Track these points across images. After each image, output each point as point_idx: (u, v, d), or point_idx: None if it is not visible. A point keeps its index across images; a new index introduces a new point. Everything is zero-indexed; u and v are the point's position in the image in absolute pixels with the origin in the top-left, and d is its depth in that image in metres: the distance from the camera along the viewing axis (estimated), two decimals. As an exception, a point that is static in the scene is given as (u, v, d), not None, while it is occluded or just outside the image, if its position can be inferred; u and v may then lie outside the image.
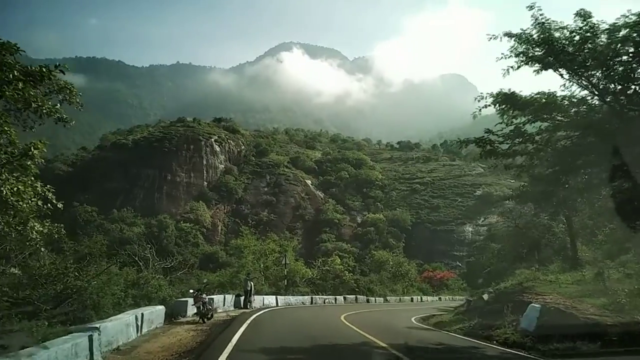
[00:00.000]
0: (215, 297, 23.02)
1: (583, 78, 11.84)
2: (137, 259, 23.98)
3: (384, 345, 11.12)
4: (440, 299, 49.79)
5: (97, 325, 9.34)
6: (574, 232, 22.74)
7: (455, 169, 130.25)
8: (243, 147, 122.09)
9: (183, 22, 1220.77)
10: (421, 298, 47.35)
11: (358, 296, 38.33)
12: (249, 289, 25.64)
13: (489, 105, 13.50)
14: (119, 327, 10.54)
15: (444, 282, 55.67)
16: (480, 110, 13.73)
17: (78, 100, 10.76)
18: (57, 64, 10.56)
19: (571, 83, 12.06)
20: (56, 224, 11.12)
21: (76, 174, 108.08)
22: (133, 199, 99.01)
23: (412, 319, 22.45)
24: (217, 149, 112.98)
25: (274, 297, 30.22)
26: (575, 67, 11.67)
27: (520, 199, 19.80)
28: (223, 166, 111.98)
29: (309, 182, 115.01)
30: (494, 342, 13.55)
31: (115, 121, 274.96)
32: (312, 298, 33.46)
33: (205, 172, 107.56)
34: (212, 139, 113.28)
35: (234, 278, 31.04)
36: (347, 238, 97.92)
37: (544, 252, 28.49)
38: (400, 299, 43.97)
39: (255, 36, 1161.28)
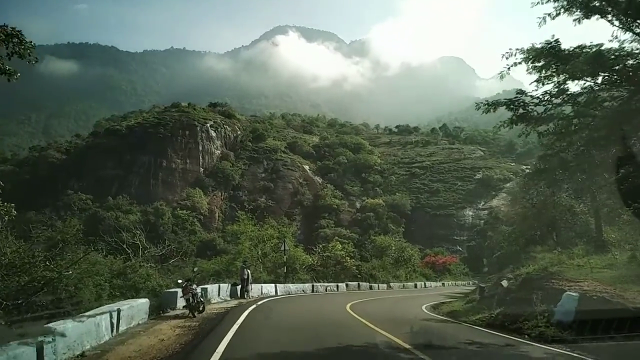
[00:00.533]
0: (209, 286, 21.48)
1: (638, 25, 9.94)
2: (125, 246, 22.17)
3: (406, 346, 9.33)
4: (443, 284, 48.53)
5: (54, 327, 7.53)
6: (599, 211, 20.93)
7: (455, 153, 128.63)
8: (239, 132, 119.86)
9: (176, 6, 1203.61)
10: (425, 284, 45.89)
11: (360, 283, 36.56)
12: (245, 277, 23.92)
13: (519, 63, 11.55)
14: (86, 327, 8.73)
15: (446, 267, 54.26)
16: (509, 68, 11.77)
17: (30, 52, 8.77)
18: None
19: (624, 32, 10.14)
20: (6, 203, 9.24)
21: (70, 161, 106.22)
22: (128, 186, 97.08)
23: (423, 308, 20.95)
24: (213, 134, 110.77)
25: (273, 285, 28.41)
26: (630, 12, 9.76)
27: (539, 176, 17.78)
28: (219, 152, 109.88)
29: (306, 167, 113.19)
30: (525, 336, 11.84)
31: (110, 108, 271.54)
32: (313, 286, 31.53)
33: (201, 158, 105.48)
34: (208, 124, 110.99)
35: (231, 266, 29.48)
36: (346, 224, 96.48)
37: (564, 234, 26.62)
38: (404, 285, 42.26)
39: (250, 20, 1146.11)
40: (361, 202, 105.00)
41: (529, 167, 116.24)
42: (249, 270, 24.57)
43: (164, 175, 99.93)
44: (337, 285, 33.66)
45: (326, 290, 32.53)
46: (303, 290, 30.46)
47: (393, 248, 46.48)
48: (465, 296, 24.86)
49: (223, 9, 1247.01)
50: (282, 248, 30.07)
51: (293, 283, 30.62)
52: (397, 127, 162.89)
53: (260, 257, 31.60)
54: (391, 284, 40.16)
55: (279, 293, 28.00)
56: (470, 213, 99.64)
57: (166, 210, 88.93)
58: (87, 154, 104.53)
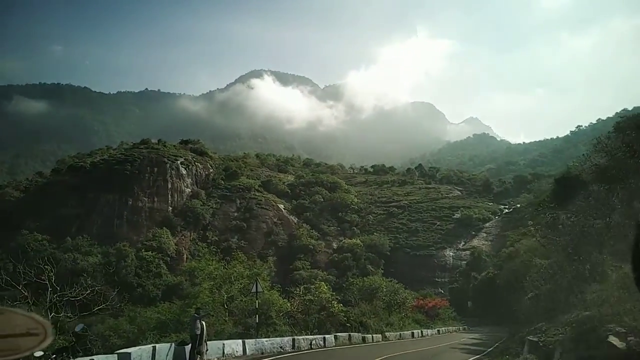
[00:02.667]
0: (133, 350, 14.98)
1: None
2: (21, 287, 16.75)
3: None
4: (439, 331, 44.03)
5: None
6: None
7: (432, 192, 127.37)
8: (211, 170, 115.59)
9: (152, 49, 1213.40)
10: (421, 332, 40.44)
11: (352, 333, 29.17)
12: (198, 332, 17.12)
13: None
14: None
15: (435, 311, 50.30)
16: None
17: None
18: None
19: None
20: None
21: (28, 199, 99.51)
22: (90, 225, 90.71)
23: None
24: (184, 172, 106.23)
25: (241, 342, 20.98)
26: None
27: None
28: (190, 190, 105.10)
29: (281, 206, 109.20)
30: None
31: (79, 148, 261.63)
32: (293, 340, 23.82)
33: (170, 196, 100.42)
34: (179, 162, 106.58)
35: (183, 315, 23.91)
36: (322, 265, 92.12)
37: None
38: (400, 334, 35.95)
39: (226, 64, 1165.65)
40: (338, 243, 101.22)
41: (507, 206, 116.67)
42: (203, 322, 17.51)
43: (130, 214, 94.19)
44: (324, 338, 26.06)
45: (311, 346, 24.71)
46: (281, 348, 22.88)
47: (384, 290, 41.10)
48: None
49: (199, 53, 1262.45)
50: (254, 289, 23.10)
51: (267, 337, 23.48)
52: (372, 167, 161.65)
53: (224, 302, 25.44)
54: (386, 334, 33.56)
55: (248, 352, 20.71)
56: (451, 253, 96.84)
57: (130, 251, 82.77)
58: (47, 192, 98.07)
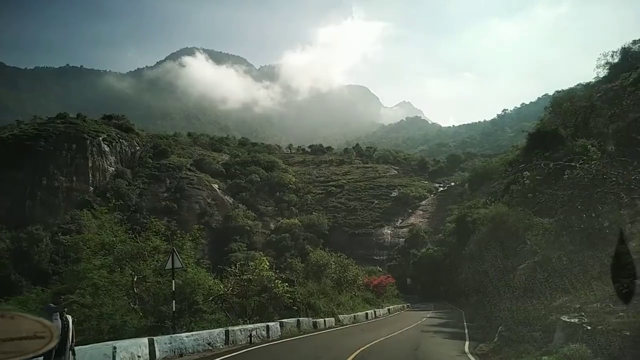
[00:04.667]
0: None
1: None
2: None
3: None
4: (389, 310, 41.52)
5: None
6: None
7: (370, 171, 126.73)
8: (138, 148, 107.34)
9: (73, 22, 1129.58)
10: (374, 312, 36.76)
11: (300, 319, 23.76)
12: (60, 332, 9.46)
13: None
14: None
15: (383, 288, 48.31)
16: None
17: None
18: None
19: None
20: None
21: None
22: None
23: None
24: (107, 149, 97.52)
25: (146, 340, 13.60)
26: None
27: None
28: (114, 169, 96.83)
29: (215, 186, 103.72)
30: None
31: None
32: (226, 333, 17.23)
33: (91, 175, 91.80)
34: (100, 138, 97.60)
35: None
36: (259, 246, 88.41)
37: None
38: (354, 317, 31.29)
39: (155, 40, 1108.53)
40: (276, 223, 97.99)
41: (442, 184, 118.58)
42: (69, 317, 10.17)
43: (44, 195, 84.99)
44: (267, 327, 19.95)
45: (250, 338, 18.26)
46: (209, 344, 16.07)
47: (333, 266, 36.96)
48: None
49: (125, 28, 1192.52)
50: (171, 265, 16.63)
51: (190, 331, 16.51)
52: (310, 146, 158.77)
53: (131, 285, 18.46)
54: (340, 317, 28.97)
55: (159, 355, 13.73)
56: (389, 231, 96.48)
57: (43, 235, 74.50)
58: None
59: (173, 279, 16.95)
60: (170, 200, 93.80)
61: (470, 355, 14.41)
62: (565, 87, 60.55)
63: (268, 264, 24.66)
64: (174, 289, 16.90)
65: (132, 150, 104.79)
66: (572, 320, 10.00)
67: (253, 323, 20.52)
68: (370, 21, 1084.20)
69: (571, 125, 27.35)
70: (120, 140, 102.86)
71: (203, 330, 17.05)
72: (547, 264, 13.81)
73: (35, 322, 2.10)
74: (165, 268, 17.56)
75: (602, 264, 10.89)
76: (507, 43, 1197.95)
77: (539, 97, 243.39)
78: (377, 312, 37.32)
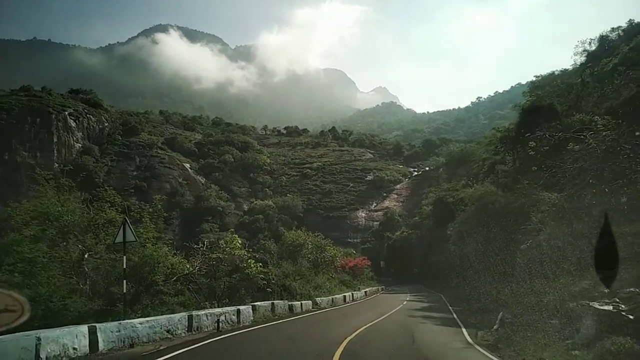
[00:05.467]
0: None
1: None
2: None
3: None
4: (366, 293, 40.55)
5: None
6: None
7: (345, 154, 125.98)
8: (107, 124, 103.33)
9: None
10: (352, 295, 35.15)
11: (275, 302, 21.72)
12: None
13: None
14: None
15: (360, 270, 47.66)
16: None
17: None
18: None
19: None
20: None
21: None
22: (-50, 183, 76.59)
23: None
24: (73, 124, 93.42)
25: (86, 329, 10.79)
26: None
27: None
28: (80, 145, 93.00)
29: (187, 165, 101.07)
30: None
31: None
32: (190, 318, 14.80)
33: (56, 151, 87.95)
34: (66, 113, 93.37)
35: None
36: (232, 227, 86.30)
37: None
38: (332, 300, 29.65)
39: (127, 16, 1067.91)
40: (249, 204, 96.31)
41: (416, 169, 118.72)
42: None
43: (5, 170, 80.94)
44: (238, 311, 17.63)
45: (218, 324, 15.80)
46: (168, 332, 13.68)
47: (310, 246, 35.48)
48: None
49: (96, 1, 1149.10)
50: (122, 238, 14.05)
51: (146, 317, 13.89)
52: (285, 128, 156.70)
53: (81, 261, 15.86)
54: (317, 300, 27.22)
55: (103, 346, 11.06)
56: (363, 214, 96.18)
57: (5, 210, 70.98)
58: None
59: (124, 255, 14.35)
60: (140, 179, 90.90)
61: (478, 347, 12.64)
62: (539, 76, 60.51)
63: (240, 241, 23.11)
64: (125, 266, 14.23)
65: (101, 126, 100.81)
66: (606, 308, 8.72)
67: (222, 306, 18.30)
68: (347, 4, 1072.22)
69: (565, 102, 26.72)
70: (88, 115, 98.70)
71: (162, 315, 14.39)
72: (558, 243, 12.49)
73: (5, 296, 2.06)
74: (115, 241, 14.78)
75: (627, 243, 9.78)
76: (481, 31, 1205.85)
77: (512, 86, 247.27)
78: (354, 295, 35.99)
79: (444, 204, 42.77)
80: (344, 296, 32.80)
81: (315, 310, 25.18)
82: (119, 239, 14.25)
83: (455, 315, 21.58)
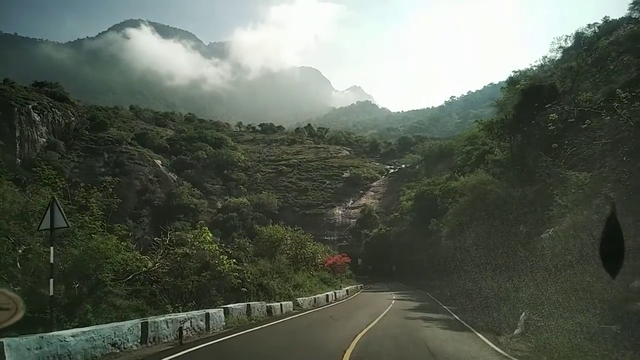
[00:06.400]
0: None
1: None
2: None
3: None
4: (347, 292, 38.41)
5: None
6: None
7: (322, 152, 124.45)
8: (74, 118, 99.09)
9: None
10: (335, 294, 32.58)
11: (251, 303, 18.86)
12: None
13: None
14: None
15: (342, 268, 46.21)
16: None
17: None
18: None
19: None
20: None
21: None
22: None
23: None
24: (37, 118, 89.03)
25: None
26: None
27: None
28: (45, 140, 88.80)
29: (158, 162, 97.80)
30: None
31: None
32: (144, 326, 11.73)
33: (19, 146, 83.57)
34: (30, 106, 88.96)
35: None
36: (205, 225, 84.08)
37: None
38: (314, 300, 27.03)
39: (98, 10, 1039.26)
40: (223, 202, 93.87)
41: (393, 166, 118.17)
42: None
43: (-38, 166, 76.54)
44: (207, 316, 14.95)
45: (180, 334, 12.56)
46: (115, 347, 10.64)
47: (288, 242, 33.65)
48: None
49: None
50: (49, 224, 10.80)
51: (85, 326, 10.91)
52: (260, 125, 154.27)
53: (15, 258, 12.80)
54: (298, 300, 24.57)
55: None
56: (340, 212, 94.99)
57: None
58: None
59: (51, 245, 11.00)
60: (108, 176, 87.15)
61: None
62: (505, 79, 60.38)
63: (211, 235, 21.06)
64: (52, 261, 10.86)
65: (67, 121, 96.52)
66: None
67: (187, 310, 15.53)
68: (323, 1, 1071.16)
69: (563, 86, 25.73)
70: (53, 109, 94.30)
71: (107, 324, 11.34)
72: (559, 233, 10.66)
73: None
74: (40, 228, 11.33)
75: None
76: (454, 31, 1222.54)
77: (484, 86, 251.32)
78: (337, 294, 33.67)
79: (426, 198, 41.71)
80: (327, 295, 30.43)
81: (298, 312, 22.73)
82: (45, 224, 10.97)
83: (456, 316, 19.38)
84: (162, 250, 17.67)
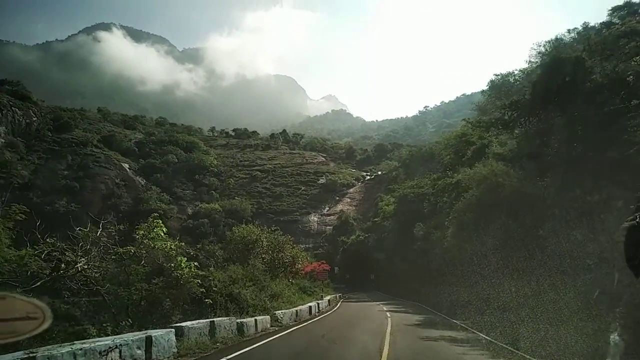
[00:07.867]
0: None
1: None
2: None
3: None
4: (329, 302, 34.88)
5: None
6: None
7: (297, 157, 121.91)
8: (35, 118, 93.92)
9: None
10: (318, 305, 28.85)
11: (216, 320, 14.54)
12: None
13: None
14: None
15: (323, 275, 43.53)
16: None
17: None
18: None
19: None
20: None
21: None
22: None
23: None
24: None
25: None
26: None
27: None
28: (3, 140, 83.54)
29: (126, 165, 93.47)
30: None
31: None
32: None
33: (-27, 146, 78.40)
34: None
35: None
36: (174, 232, 79.83)
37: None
38: (296, 312, 22.95)
39: (67, 12, 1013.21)
40: (194, 208, 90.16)
41: (369, 173, 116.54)
42: None
43: None
44: (148, 340, 10.43)
45: None
46: None
47: (264, 244, 29.87)
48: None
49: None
50: None
51: None
52: (234, 130, 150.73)
53: None
54: (277, 314, 20.40)
55: None
56: (316, 219, 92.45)
57: None
58: None
59: None
60: (72, 179, 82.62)
61: None
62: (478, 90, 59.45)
63: (165, 230, 17.66)
64: None
65: (28, 120, 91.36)
66: None
67: (119, 333, 11.31)
68: (300, 9, 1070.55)
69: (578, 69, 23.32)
70: (13, 108, 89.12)
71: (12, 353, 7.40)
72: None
73: (27, 303, 2.00)
74: None
75: None
76: (430, 42, 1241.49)
77: (457, 96, 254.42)
78: (320, 305, 29.80)
79: (410, 201, 39.53)
80: (309, 307, 26.58)
81: (277, 330, 18.32)
82: None
83: (483, 335, 15.54)
84: (101, 247, 14.40)
